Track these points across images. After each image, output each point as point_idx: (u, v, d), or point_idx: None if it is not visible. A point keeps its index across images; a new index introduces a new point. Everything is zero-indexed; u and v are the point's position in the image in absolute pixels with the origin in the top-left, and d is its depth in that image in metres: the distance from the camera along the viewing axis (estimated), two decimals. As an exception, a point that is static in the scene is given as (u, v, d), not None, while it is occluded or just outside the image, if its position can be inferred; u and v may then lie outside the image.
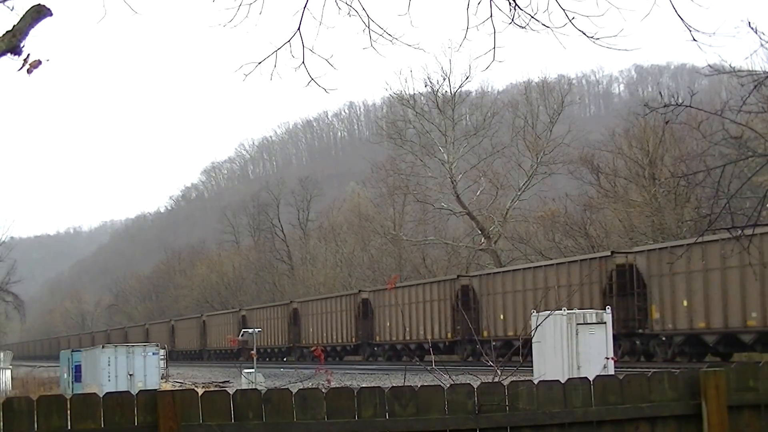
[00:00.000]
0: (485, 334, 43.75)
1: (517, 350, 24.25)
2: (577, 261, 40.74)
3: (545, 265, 42.70)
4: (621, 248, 42.14)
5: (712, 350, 34.54)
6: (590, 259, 40.18)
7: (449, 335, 48.27)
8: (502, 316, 43.45)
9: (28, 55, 7.52)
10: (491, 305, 44.23)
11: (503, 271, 46.22)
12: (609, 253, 39.30)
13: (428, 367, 10.42)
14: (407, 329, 51.60)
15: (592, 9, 8.00)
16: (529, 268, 44.02)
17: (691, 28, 8.34)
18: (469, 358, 46.26)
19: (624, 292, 36.65)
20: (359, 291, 59.82)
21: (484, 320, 44.04)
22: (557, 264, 41.88)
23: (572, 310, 24.93)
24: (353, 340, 58.79)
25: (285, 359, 67.93)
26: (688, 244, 32.40)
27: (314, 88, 8.40)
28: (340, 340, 60.50)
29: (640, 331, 36.40)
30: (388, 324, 54.08)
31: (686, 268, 33.27)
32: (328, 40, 9.02)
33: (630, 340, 37.18)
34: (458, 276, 49.39)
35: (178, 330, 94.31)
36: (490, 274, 46.70)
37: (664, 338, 35.52)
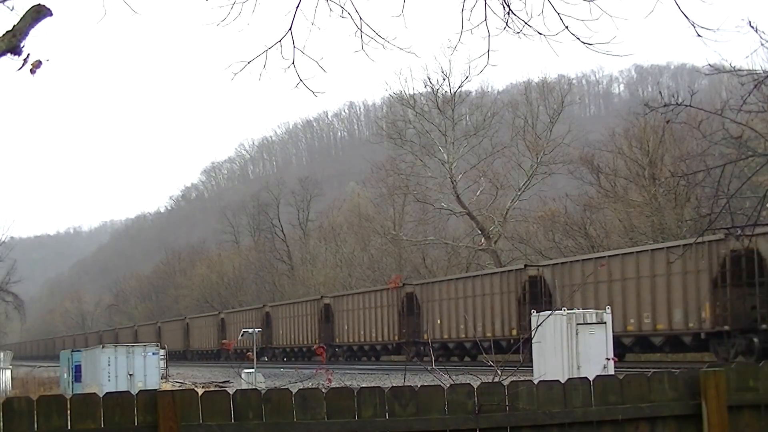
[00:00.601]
0: (425, 336, 48.86)
1: (503, 351, 24.88)
2: (497, 273, 46.16)
3: (472, 276, 48.12)
4: (620, 248, 42.55)
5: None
6: (507, 271, 45.37)
7: (396, 337, 53.35)
8: (439, 321, 48.21)
9: (29, 55, 7.52)
10: (430, 311, 49.28)
11: (439, 281, 51.23)
12: (522, 266, 43.99)
13: (428, 367, 10.43)
14: (362, 332, 57.12)
15: (587, 14, 7.96)
16: (460, 278, 49.10)
17: (695, 25, 8.33)
18: (413, 358, 49.07)
19: (535, 300, 40.15)
20: (321, 297, 63.91)
21: (425, 324, 48.94)
22: (482, 276, 47.06)
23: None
24: (316, 341, 61.29)
25: (285, 359, 68.23)
26: (583, 260, 39.38)
27: (303, 87, 8.33)
28: (305, 342, 64.46)
29: None
30: (347, 327, 58.70)
31: (581, 280, 37.53)
32: (323, 42, 8.97)
33: None
34: (403, 284, 52.75)
35: (165, 332, 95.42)
36: (428, 283, 51.81)
37: None
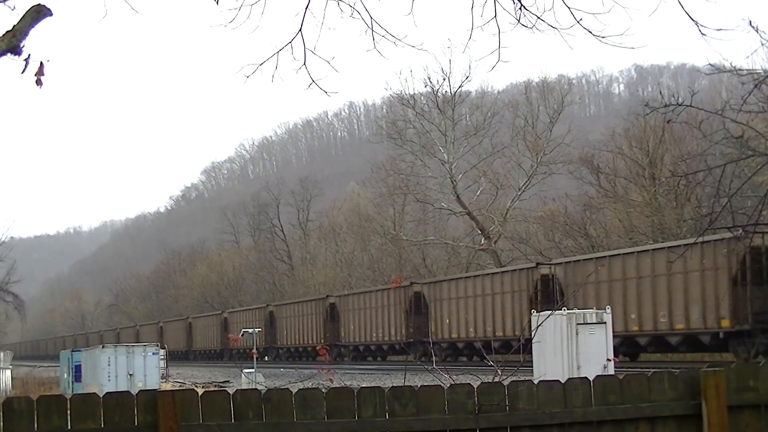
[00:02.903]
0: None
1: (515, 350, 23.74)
2: (508, 271, 43.15)
3: (652, 249, 38.71)
4: (620, 247, 42.29)
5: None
6: (717, 240, 36.51)
7: (526, 332, 51.55)
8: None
9: (29, 55, 7.49)
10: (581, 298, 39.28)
11: (596, 257, 39.90)
12: (534, 265, 40.94)
13: (428, 367, 10.42)
14: (468, 325, 50.55)
15: (598, 7, 8.00)
16: (630, 252, 38.73)
17: (698, 24, 8.35)
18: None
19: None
20: (411, 283, 53.59)
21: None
22: (666, 248, 38.29)
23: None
24: (403, 337, 58.93)
25: (266, 358, 68.21)
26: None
27: (314, 88, 8.33)
28: (392, 338, 65.16)
29: None
30: (447, 321, 49.13)
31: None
32: (330, 42, 8.97)
33: None
34: (537, 264, 43.54)
35: (167, 331, 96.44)
36: (576, 261, 40.60)
37: None
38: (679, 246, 31.33)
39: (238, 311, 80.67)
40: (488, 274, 45.75)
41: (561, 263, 40.28)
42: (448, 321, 47.44)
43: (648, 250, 35.37)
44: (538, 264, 42.01)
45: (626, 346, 36.76)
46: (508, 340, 41.72)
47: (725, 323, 32.01)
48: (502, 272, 44.74)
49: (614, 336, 35.53)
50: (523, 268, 43.00)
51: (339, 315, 60.32)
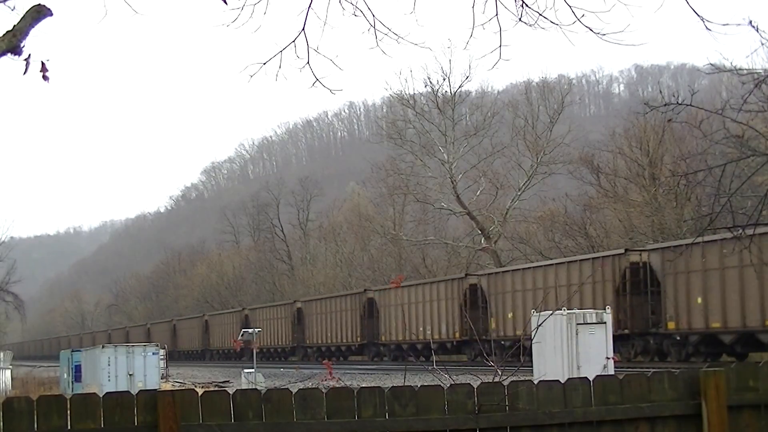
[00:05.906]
0: (669, 325, 35.63)
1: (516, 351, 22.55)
2: (588, 259, 37.37)
3: (556, 264, 39.46)
4: (620, 247, 42.16)
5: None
6: (602, 257, 36.74)
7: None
8: (700, 300, 33.46)
9: (30, 55, 7.49)
10: (680, 291, 34.21)
11: (696, 242, 32.28)
12: (623, 251, 36.38)
13: (428, 367, 10.41)
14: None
15: (599, 5, 8.02)
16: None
17: (704, 19, 8.36)
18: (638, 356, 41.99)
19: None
20: (465, 275, 49.47)
21: (669, 309, 34.76)
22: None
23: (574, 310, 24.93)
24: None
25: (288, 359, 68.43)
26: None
27: (315, 87, 8.34)
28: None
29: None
30: (508, 314, 44.85)
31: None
32: (332, 41, 8.97)
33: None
34: (621, 254, 38.32)
35: (180, 330, 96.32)
36: (673, 246, 34.93)
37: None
38: None
39: (261, 308, 76.49)
40: (563, 262, 40.35)
41: (657, 249, 34.98)
42: (511, 316, 42.11)
43: None
44: (627, 250, 37.38)
45: (741, 345, 32.33)
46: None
47: None
48: (581, 260, 39.13)
49: (728, 332, 31.34)
50: (608, 255, 37.89)
51: (378, 311, 55.28)
